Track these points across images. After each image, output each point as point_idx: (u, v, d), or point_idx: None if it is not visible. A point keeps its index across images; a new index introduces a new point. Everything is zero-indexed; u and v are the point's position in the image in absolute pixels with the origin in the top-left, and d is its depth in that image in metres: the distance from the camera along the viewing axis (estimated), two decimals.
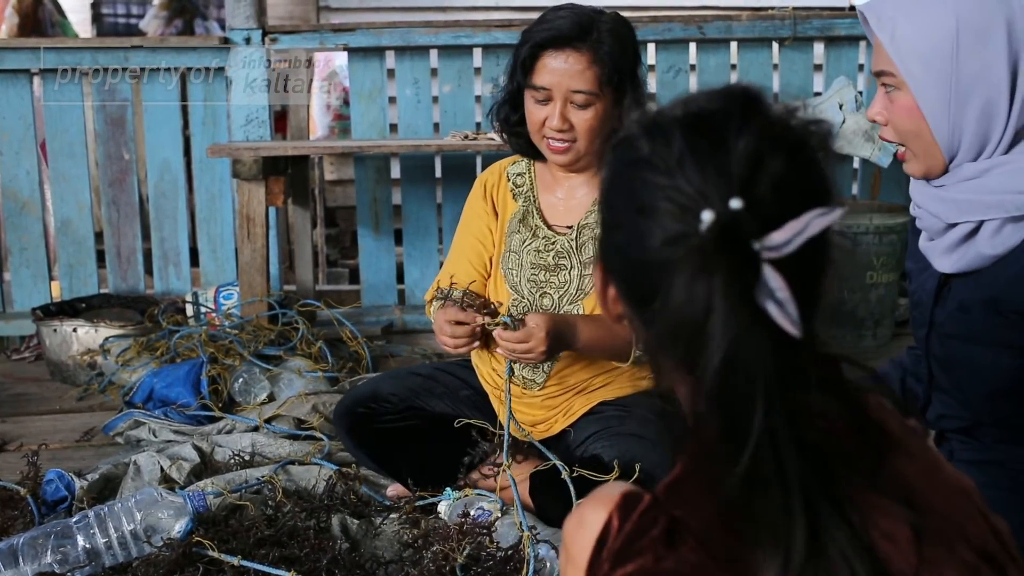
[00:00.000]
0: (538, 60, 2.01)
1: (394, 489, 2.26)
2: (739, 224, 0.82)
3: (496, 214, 2.25)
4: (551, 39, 1.99)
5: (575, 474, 1.92)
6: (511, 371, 2.04)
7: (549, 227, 2.18)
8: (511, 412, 2.03)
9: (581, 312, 2.12)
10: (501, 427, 2.03)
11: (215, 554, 1.86)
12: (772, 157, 0.84)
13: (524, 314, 1.99)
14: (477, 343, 2.01)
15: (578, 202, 2.17)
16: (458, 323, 1.99)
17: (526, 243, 2.18)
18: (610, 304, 0.98)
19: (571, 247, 2.14)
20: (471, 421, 2.05)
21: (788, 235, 0.81)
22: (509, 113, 2.12)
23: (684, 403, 0.94)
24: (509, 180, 2.24)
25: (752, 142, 0.84)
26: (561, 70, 1.99)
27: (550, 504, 2.00)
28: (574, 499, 1.86)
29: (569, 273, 2.14)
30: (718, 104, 0.89)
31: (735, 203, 0.82)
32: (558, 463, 1.92)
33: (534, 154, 2.16)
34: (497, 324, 1.97)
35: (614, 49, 2.00)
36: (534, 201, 2.21)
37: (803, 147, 0.87)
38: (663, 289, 0.85)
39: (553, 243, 2.16)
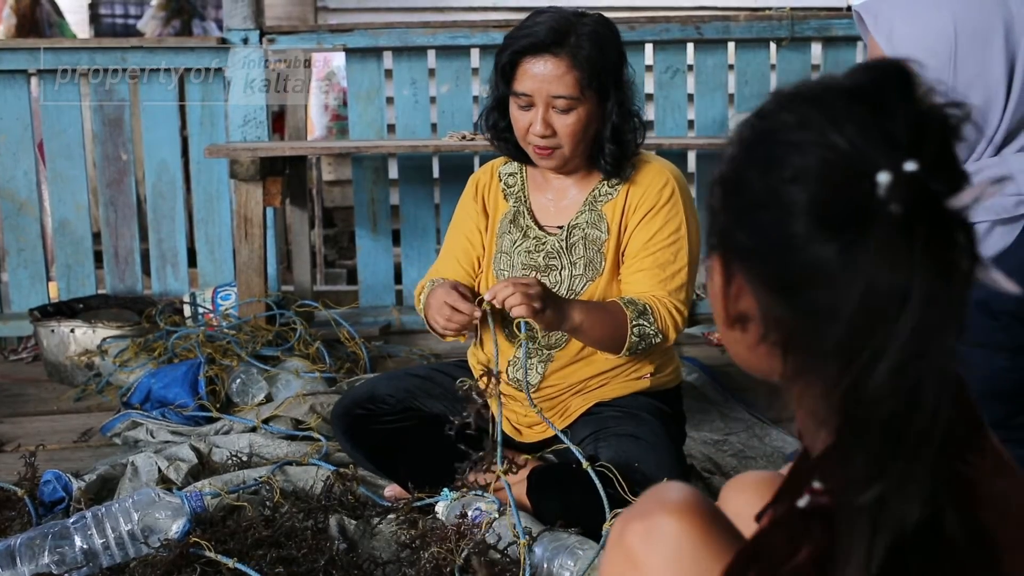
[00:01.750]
0: (518, 67, 2.02)
1: (392, 490, 2.26)
2: (925, 185, 0.74)
3: (486, 214, 2.25)
4: (528, 46, 1.99)
5: (598, 465, 1.92)
6: (522, 367, 2.03)
7: (540, 227, 2.18)
8: (520, 400, 2.03)
9: None
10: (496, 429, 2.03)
11: (212, 555, 1.86)
12: (934, 126, 0.78)
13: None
14: (466, 335, 2.01)
15: (569, 202, 2.17)
16: (455, 309, 1.98)
17: (516, 244, 2.18)
18: (731, 302, 0.88)
19: (561, 247, 2.14)
20: (456, 415, 2.04)
21: (972, 197, 0.74)
22: (497, 119, 2.13)
23: (815, 419, 0.87)
24: (501, 180, 2.25)
25: (914, 110, 0.78)
26: (540, 76, 1.99)
27: (547, 503, 2.00)
28: (601, 493, 1.87)
29: (560, 273, 2.14)
30: (868, 77, 0.82)
31: (910, 165, 0.75)
32: (577, 451, 1.93)
33: (524, 158, 2.16)
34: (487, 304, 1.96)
35: (593, 52, 1.99)
36: (525, 201, 2.21)
37: (951, 124, 0.80)
38: (835, 266, 0.77)
39: (543, 243, 2.16)
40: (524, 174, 2.23)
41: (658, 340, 2.05)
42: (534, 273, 2.15)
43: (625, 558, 0.98)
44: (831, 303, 0.78)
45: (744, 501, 1.18)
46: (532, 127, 2.02)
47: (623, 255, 2.13)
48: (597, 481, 1.88)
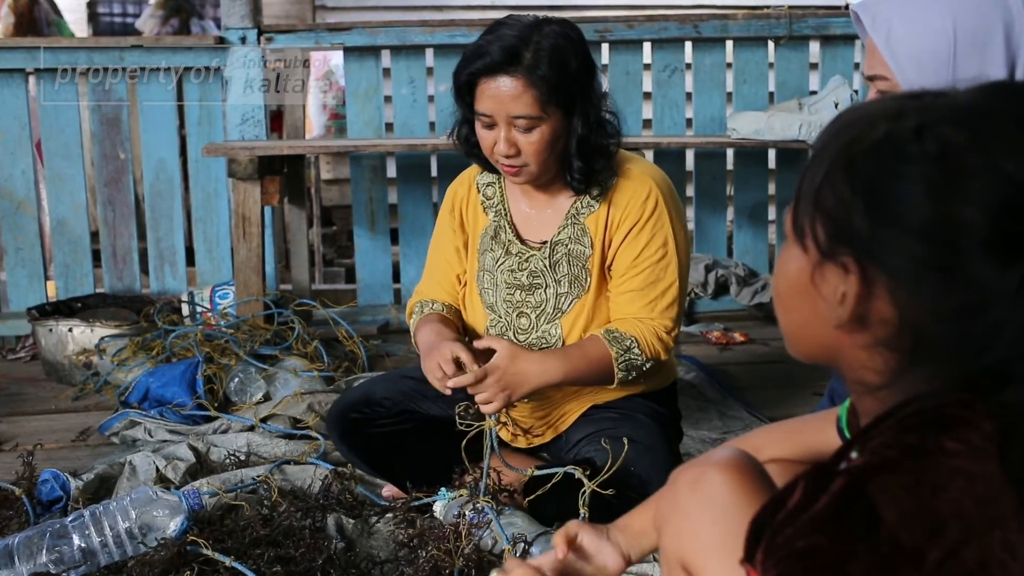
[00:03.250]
0: (476, 87, 1.95)
1: (390, 489, 2.26)
2: None
3: (464, 230, 2.20)
4: (482, 67, 1.92)
5: (587, 472, 1.91)
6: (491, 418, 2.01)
7: (522, 242, 2.13)
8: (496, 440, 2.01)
9: (559, 331, 2.09)
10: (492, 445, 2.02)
11: (210, 553, 1.86)
12: None
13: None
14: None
15: (552, 213, 2.11)
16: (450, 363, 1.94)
17: (499, 262, 2.13)
18: (859, 305, 0.89)
19: (545, 266, 2.09)
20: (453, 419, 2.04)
21: None
22: (468, 134, 2.06)
23: (873, 406, 0.92)
24: (479, 191, 2.18)
25: None
26: (498, 96, 1.92)
27: (545, 505, 1.99)
28: (581, 503, 1.85)
29: (544, 292, 2.10)
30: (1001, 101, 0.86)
31: None
32: (576, 471, 1.91)
33: (497, 171, 2.10)
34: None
35: (550, 70, 1.90)
36: (505, 214, 2.15)
37: None
38: (1006, 294, 0.82)
39: (527, 260, 2.11)
40: (502, 184, 2.17)
41: (648, 365, 2.04)
42: (518, 292, 2.11)
43: (672, 501, 1.09)
44: (995, 328, 0.83)
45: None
46: (496, 146, 1.96)
47: (609, 270, 2.08)
48: (587, 482, 1.87)
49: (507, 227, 2.14)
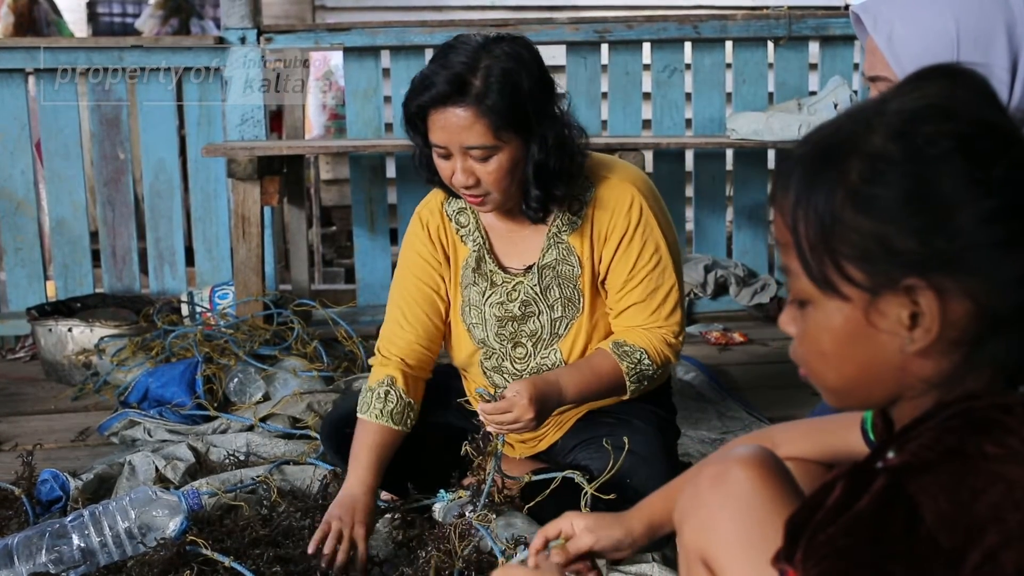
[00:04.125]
0: (427, 118, 1.87)
1: (388, 492, 2.25)
2: None
3: (448, 259, 2.09)
4: (429, 100, 1.84)
5: (586, 476, 1.90)
6: (497, 440, 1.94)
7: (505, 270, 2.06)
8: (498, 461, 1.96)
9: (558, 355, 2.05)
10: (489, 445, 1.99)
11: (209, 553, 1.86)
12: None
13: (503, 386, 1.94)
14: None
15: (533, 233, 2.04)
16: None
17: (486, 295, 2.06)
18: (943, 320, 0.87)
19: (536, 293, 2.04)
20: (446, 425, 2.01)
21: None
22: (431, 159, 1.96)
23: (916, 407, 0.91)
24: (451, 220, 2.08)
25: None
26: (448, 128, 1.84)
27: (543, 507, 1.98)
28: (583, 505, 1.84)
29: (539, 319, 2.04)
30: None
31: None
32: (576, 475, 1.90)
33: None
34: (475, 398, 1.90)
35: (500, 98, 1.81)
36: (484, 242, 2.06)
37: None
38: None
39: (515, 289, 2.05)
40: (473, 208, 2.06)
41: (660, 372, 2.02)
42: (511, 323, 2.05)
43: (693, 497, 1.10)
44: None
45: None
46: (455, 176, 1.89)
47: (603, 285, 2.03)
48: (586, 485, 1.86)
49: (487, 256, 2.06)
